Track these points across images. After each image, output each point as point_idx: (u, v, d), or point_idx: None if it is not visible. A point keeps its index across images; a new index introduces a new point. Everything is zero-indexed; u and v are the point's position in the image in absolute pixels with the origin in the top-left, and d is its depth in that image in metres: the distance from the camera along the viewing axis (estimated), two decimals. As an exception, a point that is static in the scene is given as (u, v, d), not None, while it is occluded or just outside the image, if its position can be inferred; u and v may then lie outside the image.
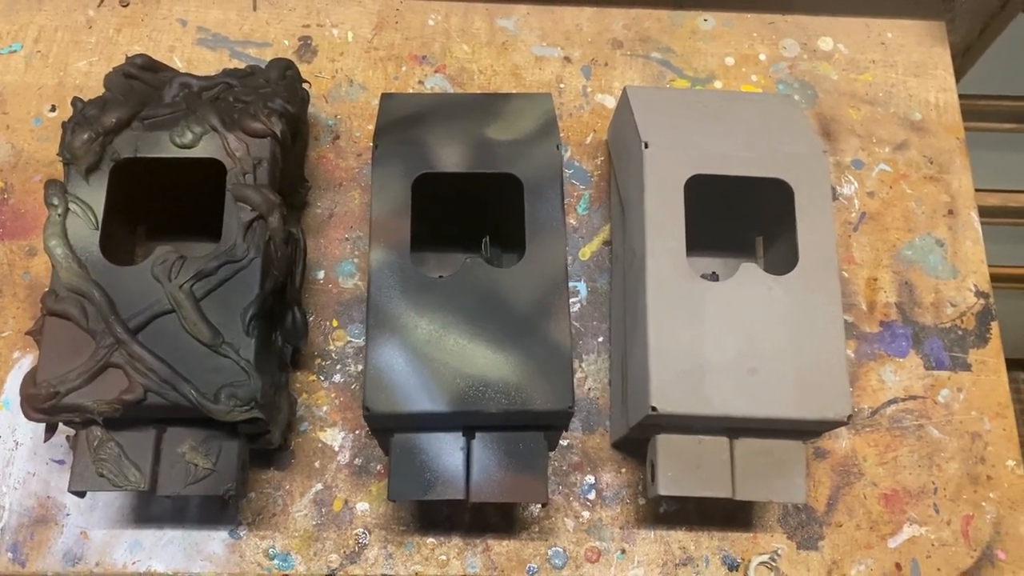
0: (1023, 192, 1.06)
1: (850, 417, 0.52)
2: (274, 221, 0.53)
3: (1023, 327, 1.46)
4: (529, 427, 0.54)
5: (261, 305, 0.52)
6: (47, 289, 0.52)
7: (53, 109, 0.70)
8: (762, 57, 0.75)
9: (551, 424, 0.53)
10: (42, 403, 0.49)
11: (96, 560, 0.59)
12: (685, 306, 0.54)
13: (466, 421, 0.53)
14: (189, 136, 0.55)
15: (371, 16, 0.74)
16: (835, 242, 0.56)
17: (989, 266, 1.23)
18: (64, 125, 0.55)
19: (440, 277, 0.54)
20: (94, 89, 0.70)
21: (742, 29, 0.76)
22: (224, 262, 0.52)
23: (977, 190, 1.03)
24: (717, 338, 0.53)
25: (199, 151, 0.55)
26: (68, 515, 0.60)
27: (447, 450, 0.53)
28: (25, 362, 0.63)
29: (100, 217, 0.53)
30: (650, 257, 0.55)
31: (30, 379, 0.50)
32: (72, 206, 0.53)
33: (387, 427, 0.53)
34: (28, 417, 0.51)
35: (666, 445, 0.55)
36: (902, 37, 0.77)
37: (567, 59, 0.74)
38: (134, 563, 0.59)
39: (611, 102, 0.73)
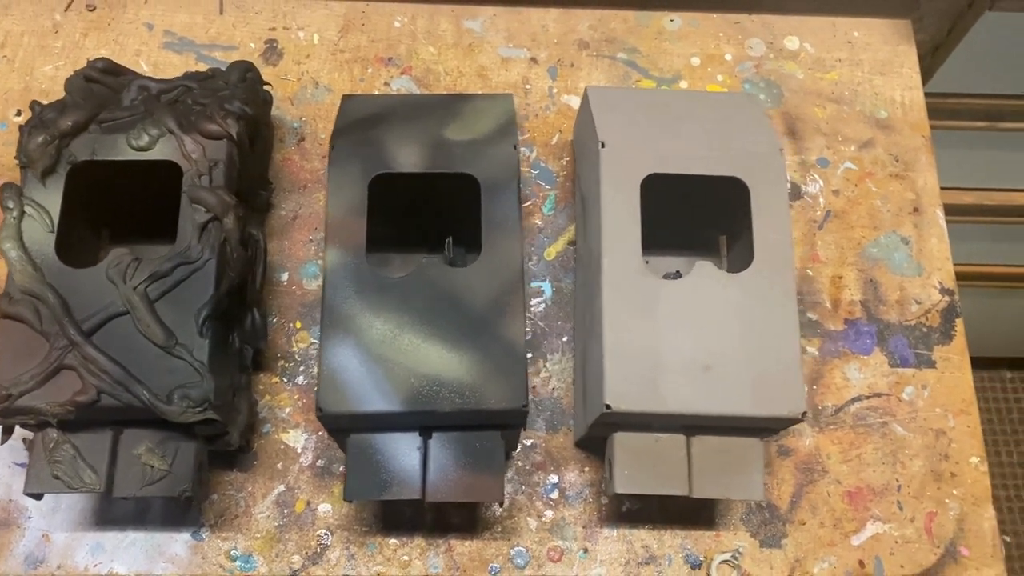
0: (995, 190, 1.06)
1: (804, 414, 0.53)
2: (229, 222, 0.54)
3: (1010, 325, 1.46)
4: (486, 426, 0.54)
5: (215, 306, 0.52)
6: (1, 292, 0.52)
7: (19, 114, 0.70)
8: (728, 57, 0.75)
9: (507, 423, 0.54)
10: (-5, 405, 0.49)
11: (58, 563, 0.59)
12: (640, 304, 0.54)
13: (422, 421, 0.53)
14: (146, 139, 0.55)
15: (337, 19, 0.75)
16: (791, 240, 0.56)
17: (961, 265, 1.23)
18: (21, 129, 0.55)
19: (397, 278, 0.54)
20: (60, 93, 0.70)
21: (708, 29, 0.76)
22: (178, 263, 0.52)
23: (949, 188, 1.03)
24: (672, 336, 0.53)
25: (155, 153, 0.55)
26: (30, 518, 0.60)
27: (404, 450, 0.53)
28: (-12, 366, 0.63)
29: (56, 220, 0.53)
30: (606, 256, 0.55)
31: (-16, 382, 0.50)
32: (28, 209, 0.53)
33: (342, 427, 0.53)
34: (-18, 419, 0.51)
35: (623, 443, 0.55)
36: (868, 36, 0.77)
37: (533, 60, 0.75)
38: (96, 565, 0.59)
39: (577, 103, 0.73)
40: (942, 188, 1.03)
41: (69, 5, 0.73)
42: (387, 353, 0.52)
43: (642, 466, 0.54)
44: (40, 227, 0.53)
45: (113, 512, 0.60)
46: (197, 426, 0.53)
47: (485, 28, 0.75)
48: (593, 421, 0.55)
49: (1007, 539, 1.55)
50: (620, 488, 0.54)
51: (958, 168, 1.00)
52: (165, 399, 0.50)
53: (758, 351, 0.53)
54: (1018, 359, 1.66)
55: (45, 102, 0.58)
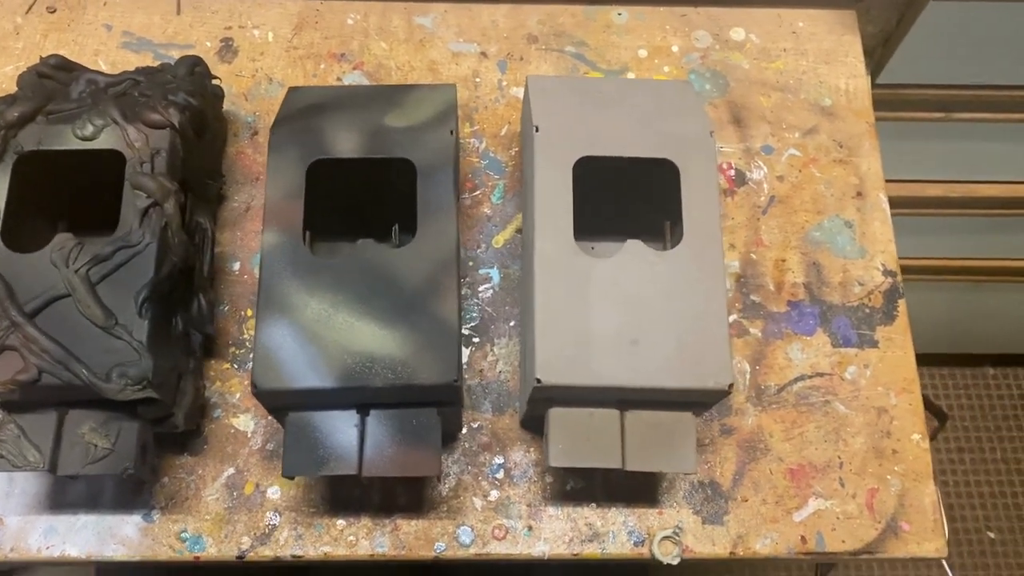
0: (960, 182, 1.08)
1: (731, 386, 0.54)
2: (170, 208, 0.55)
3: (1011, 321, 1.47)
4: (422, 404, 0.55)
5: (154, 288, 0.53)
6: (-52, 277, 0.54)
7: (-20, 112, 0.72)
8: (675, 49, 0.77)
9: (440, 399, 0.55)
10: (-61, 385, 0.51)
11: (11, 545, 0.60)
12: (571, 282, 0.55)
13: (357, 398, 0.54)
14: (90, 128, 0.57)
15: (291, 17, 0.77)
16: (719, 219, 0.58)
17: (937, 259, 1.24)
18: (-30, 120, 0.57)
19: (332, 259, 0.56)
20: (20, 93, 0.72)
21: (655, 22, 0.78)
22: (119, 247, 0.54)
23: (914, 181, 1.05)
24: (602, 312, 0.55)
25: (100, 143, 0.57)
26: (-16, 502, 0.61)
27: (341, 427, 0.54)
28: (-54, 355, 0.64)
29: (1, 208, 0.55)
30: (538, 236, 0.56)
31: (-72, 363, 0.52)
32: (-26, 197, 0.55)
33: (279, 405, 0.54)
34: (-72, 400, 0.52)
35: (558, 418, 0.56)
36: (813, 26, 0.79)
37: (483, 54, 0.76)
38: (48, 547, 0.60)
39: (526, 95, 0.74)
40: (903, 181, 1.04)
41: (30, 8, 0.75)
42: (321, 331, 0.53)
43: (576, 440, 0.55)
44: (-14, 214, 0.55)
45: (65, 496, 0.61)
46: (140, 406, 0.54)
47: (436, 24, 0.77)
48: (529, 397, 0.56)
49: (992, 535, 1.55)
50: (554, 462, 0.55)
51: (917, 160, 1.01)
52: (104, 377, 0.51)
53: (686, 326, 0.55)
54: (1000, 355, 1.66)
55: (-3, 97, 0.60)
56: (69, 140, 0.57)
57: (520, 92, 0.75)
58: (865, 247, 0.71)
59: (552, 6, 0.78)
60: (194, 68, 0.63)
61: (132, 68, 0.71)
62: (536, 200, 0.57)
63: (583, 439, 0.56)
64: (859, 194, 0.73)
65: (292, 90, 0.63)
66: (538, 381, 0.53)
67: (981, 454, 1.62)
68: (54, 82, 0.62)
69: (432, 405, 0.55)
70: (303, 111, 0.61)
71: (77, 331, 0.52)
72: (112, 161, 0.57)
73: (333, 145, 0.58)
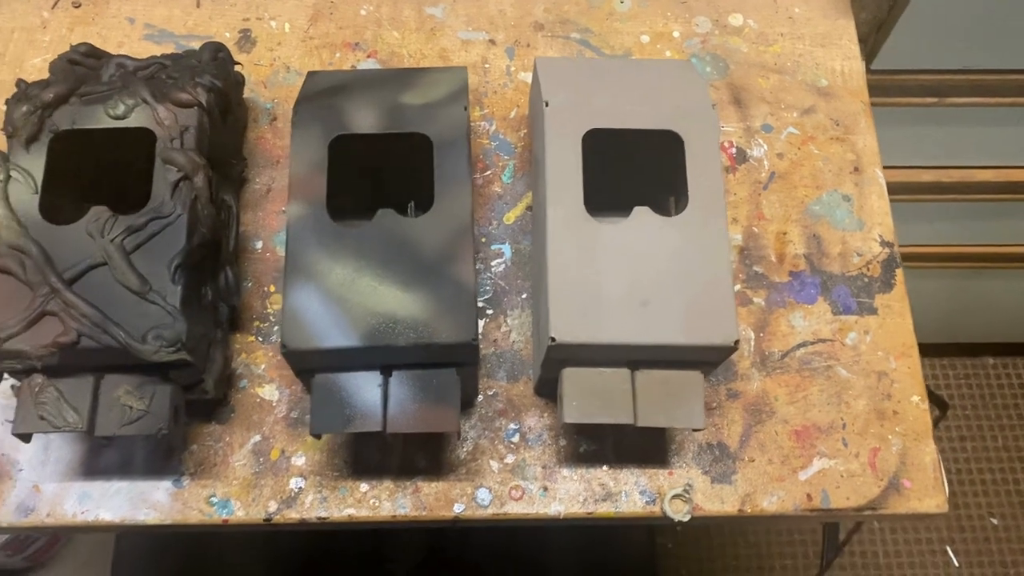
0: (954, 168, 1.10)
1: (737, 343, 0.56)
2: (199, 181, 0.58)
3: (1010, 310, 1.49)
4: (441, 364, 0.58)
5: (186, 256, 0.56)
6: (-11, 249, 0.56)
7: (9, 103, 0.75)
8: (676, 34, 0.80)
9: (459, 359, 0.57)
10: (-17, 349, 0.53)
11: (47, 511, 0.63)
12: (582, 247, 0.58)
13: (380, 358, 0.57)
14: (122, 108, 0.59)
15: (307, 9, 0.80)
16: (722, 186, 0.60)
17: (934, 246, 1.26)
18: (7, 102, 0.60)
19: (355, 228, 0.58)
20: (48, 83, 0.75)
21: (656, 9, 0.81)
22: (152, 218, 0.56)
23: (908, 167, 1.07)
24: (612, 274, 0.57)
25: (131, 121, 0.60)
26: (21, 470, 0.64)
27: (365, 387, 0.57)
28: (-18, 332, 0.67)
29: (39, 183, 0.58)
30: (550, 204, 0.59)
31: (-27, 329, 0.54)
32: (14, 173, 0.58)
33: (306, 366, 0.57)
34: (-28, 365, 0.55)
35: (571, 377, 0.58)
36: (808, 11, 0.82)
37: (492, 42, 0.79)
38: (83, 512, 0.63)
39: (533, 79, 0.77)
40: (899, 167, 1.07)
41: (56, 3, 0.78)
42: (346, 295, 0.56)
43: (589, 397, 0.58)
44: (25, 189, 0.57)
45: (98, 463, 0.64)
46: (172, 371, 0.57)
47: (446, 14, 0.80)
48: (543, 359, 0.59)
49: (994, 521, 1.57)
50: (568, 418, 0.58)
51: (910, 146, 1.04)
52: (140, 339, 0.54)
53: (692, 287, 0.57)
54: (1001, 345, 1.69)
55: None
56: (101, 119, 0.60)
57: (527, 77, 0.78)
58: (863, 220, 0.74)
59: (557, -5, 0.81)
60: (217, 54, 0.66)
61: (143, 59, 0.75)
62: (548, 171, 0.60)
63: (596, 396, 0.58)
64: (856, 169, 0.75)
65: (311, 74, 0.66)
66: (552, 340, 0.56)
67: (983, 442, 1.64)
68: (84, 68, 0.65)
69: (451, 366, 0.58)
70: (323, 92, 0.64)
71: (113, 297, 0.55)
72: (142, 138, 0.60)
73: (353, 122, 0.61)
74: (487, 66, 0.78)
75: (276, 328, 0.68)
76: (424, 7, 0.80)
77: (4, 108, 0.62)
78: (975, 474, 1.62)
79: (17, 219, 0.56)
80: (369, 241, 0.58)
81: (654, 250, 0.58)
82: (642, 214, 0.59)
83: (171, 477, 0.64)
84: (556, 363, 0.59)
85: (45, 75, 0.74)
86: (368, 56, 0.78)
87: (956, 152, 1.09)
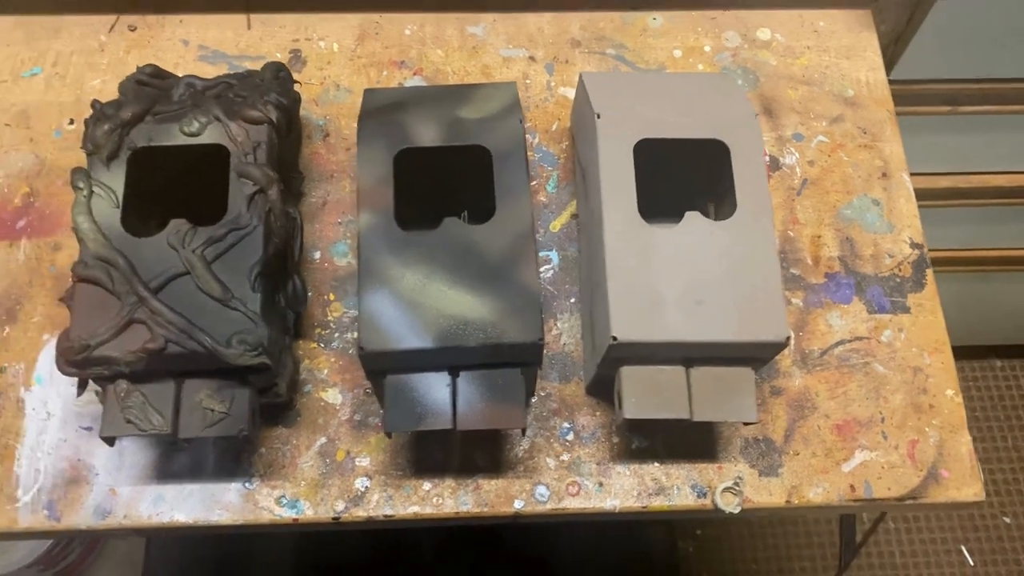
0: (969, 174, 1.14)
1: (788, 339, 0.59)
2: (273, 194, 0.61)
3: (1017, 313, 1.53)
4: (506, 364, 0.60)
5: (265, 265, 0.59)
6: (76, 260, 0.59)
7: (71, 123, 0.77)
8: (707, 48, 0.84)
9: (525, 359, 0.60)
10: (75, 355, 0.56)
11: (124, 513, 0.65)
12: (638, 250, 0.61)
13: (449, 359, 0.59)
14: (196, 125, 0.62)
15: (354, 29, 0.83)
16: (767, 191, 0.63)
17: (942, 251, 1.30)
18: (86, 121, 0.63)
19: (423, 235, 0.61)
20: (107, 104, 0.78)
21: (687, 25, 0.85)
22: (230, 229, 0.59)
23: (922, 174, 1.11)
24: (667, 276, 0.60)
25: (204, 138, 0.63)
26: (97, 475, 0.66)
27: (435, 387, 0.60)
28: (54, 343, 0.69)
29: (121, 198, 0.61)
30: (606, 210, 0.62)
31: (64, 337, 0.57)
32: (96, 189, 0.60)
33: (379, 367, 0.60)
34: (62, 371, 0.58)
35: (629, 375, 0.61)
36: (833, 25, 0.85)
37: (531, 58, 0.83)
38: (158, 514, 0.65)
39: (572, 94, 0.81)
40: (915, 174, 1.11)
41: (112, 26, 0.81)
42: (418, 299, 0.59)
43: (647, 394, 0.61)
44: (107, 204, 0.60)
45: (171, 467, 0.66)
46: (251, 374, 0.59)
47: (487, 32, 0.84)
48: (602, 358, 0.61)
49: (1007, 520, 1.60)
50: (628, 414, 0.60)
51: (925, 154, 1.08)
52: (225, 344, 0.56)
53: (744, 287, 0.60)
54: (1007, 347, 1.72)
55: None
56: (176, 136, 0.63)
57: (567, 92, 0.81)
58: (893, 223, 0.77)
59: (592, 13, 0.84)
60: (278, 73, 0.69)
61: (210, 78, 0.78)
62: (602, 179, 0.63)
63: (653, 393, 0.61)
64: (884, 175, 0.79)
65: (368, 91, 0.69)
66: (614, 339, 0.59)
67: (992, 443, 1.67)
68: (151, 88, 0.68)
69: (515, 366, 0.61)
70: (383, 108, 0.67)
71: (196, 305, 0.58)
72: (213, 154, 0.63)
73: (416, 136, 0.64)
74: (528, 81, 0.81)
75: (337, 335, 0.71)
76: (466, 26, 0.84)
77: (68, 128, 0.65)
78: (986, 474, 1.65)
79: (102, 232, 0.59)
80: (437, 248, 0.61)
81: (706, 252, 0.61)
82: (693, 218, 0.62)
83: (241, 479, 0.66)
84: (614, 362, 0.62)
85: (103, 95, 0.77)
86: (414, 74, 0.81)
87: (969, 158, 1.13)
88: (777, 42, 0.84)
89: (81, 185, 0.60)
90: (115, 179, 0.61)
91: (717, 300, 0.60)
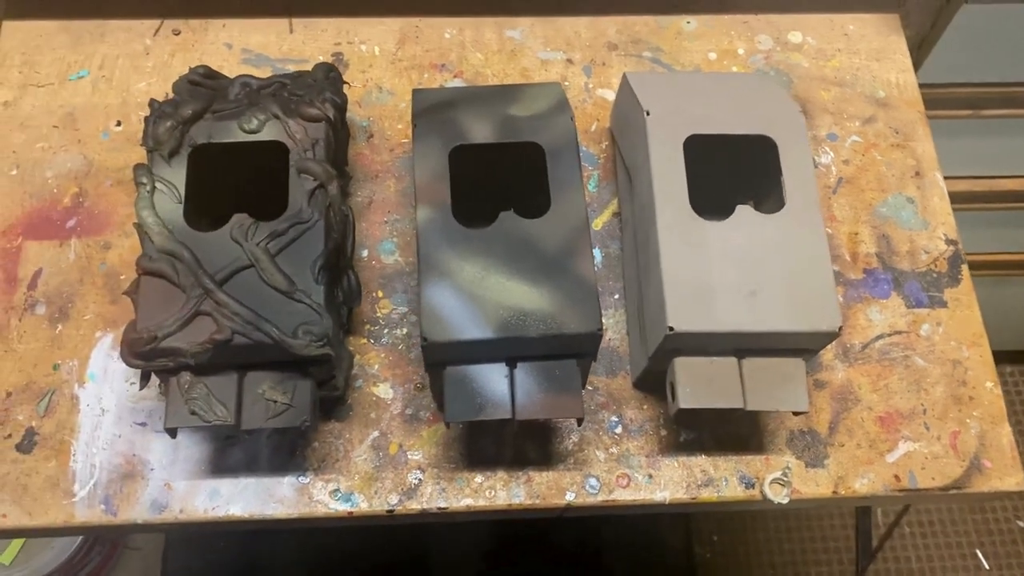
0: (983, 178, 1.16)
1: (840, 328, 0.60)
2: (332, 189, 0.62)
3: (1008, 318, 1.54)
4: (563, 355, 0.61)
5: (327, 258, 0.60)
6: (140, 254, 0.60)
7: (119, 124, 0.78)
8: (740, 51, 0.85)
9: (582, 350, 0.61)
10: (142, 347, 0.57)
11: (180, 507, 0.66)
12: (691, 243, 0.62)
13: (509, 350, 0.60)
14: (255, 123, 0.64)
15: (394, 33, 0.84)
16: (815, 186, 0.65)
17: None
18: (146, 119, 0.64)
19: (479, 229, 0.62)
20: (153, 106, 0.79)
21: (720, 28, 0.86)
22: (293, 223, 0.60)
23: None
24: (721, 268, 0.62)
25: (264, 135, 0.64)
26: (152, 470, 0.67)
27: (494, 378, 0.61)
28: (107, 340, 0.70)
29: (183, 193, 0.61)
30: (659, 205, 0.63)
31: (130, 329, 0.58)
32: (159, 184, 0.61)
33: (440, 359, 0.61)
34: (127, 363, 0.58)
35: (683, 365, 0.62)
36: (862, 28, 0.87)
37: (569, 61, 0.84)
38: (214, 508, 0.66)
39: (610, 95, 0.82)
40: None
41: (157, 30, 0.83)
42: (477, 291, 0.60)
43: (701, 384, 0.62)
44: (170, 199, 0.61)
45: (226, 461, 0.67)
46: (311, 366, 0.60)
47: (524, 36, 0.85)
48: (656, 348, 0.63)
49: (1021, 524, 1.61)
50: (684, 403, 0.61)
51: (944, 157, 1.09)
52: (291, 335, 0.57)
53: (796, 278, 0.62)
54: (1016, 352, 1.74)
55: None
56: (236, 134, 0.64)
57: (605, 93, 0.83)
58: (927, 220, 0.79)
59: (627, 17, 0.86)
60: (329, 73, 0.70)
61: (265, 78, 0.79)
62: (654, 176, 0.64)
63: (707, 383, 0.62)
64: (917, 174, 0.80)
65: (416, 91, 0.71)
66: (671, 329, 0.60)
67: (1005, 448, 1.68)
68: (203, 88, 0.69)
69: (572, 357, 0.62)
70: (434, 107, 0.68)
71: (261, 297, 0.58)
72: (273, 151, 0.64)
73: (470, 133, 0.66)
74: (566, 84, 0.83)
75: (386, 331, 0.72)
76: (504, 30, 0.85)
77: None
78: (1000, 479, 1.66)
79: (166, 226, 0.60)
80: (494, 241, 0.62)
81: (757, 245, 0.62)
82: (744, 212, 0.64)
83: (295, 473, 0.67)
84: (668, 353, 0.63)
85: (149, 97, 0.78)
86: (455, 76, 0.83)
87: (988, 162, 1.15)
88: (808, 45, 0.86)
89: (144, 180, 0.61)
90: (176, 175, 0.62)
91: (770, 291, 0.61)
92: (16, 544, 1.31)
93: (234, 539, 1.48)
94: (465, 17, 0.85)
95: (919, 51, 0.94)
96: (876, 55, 0.86)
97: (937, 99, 1.00)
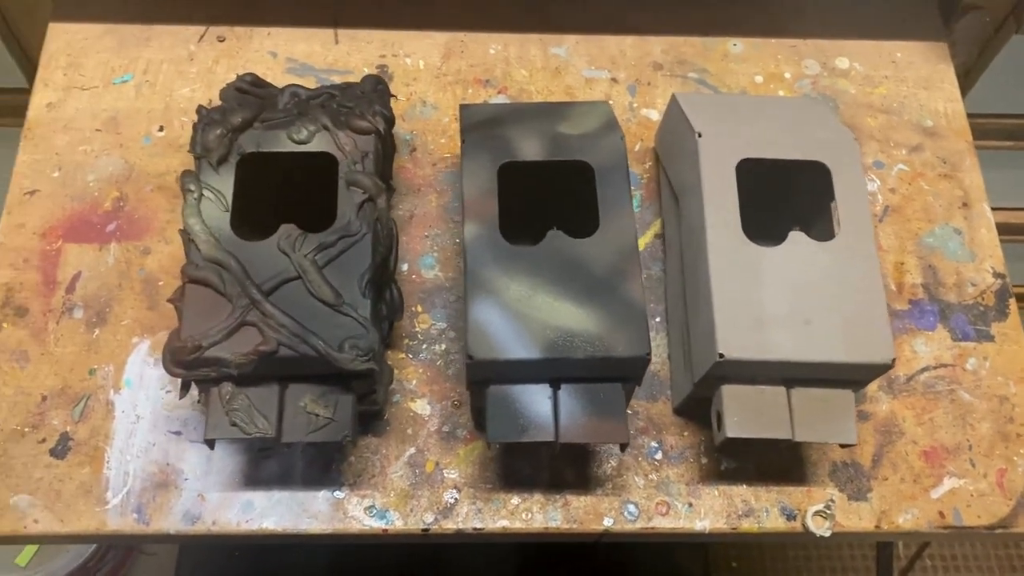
0: (1020, 210, 1.15)
1: (894, 360, 0.59)
2: (381, 203, 0.61)
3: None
4: (609, 379, 0.60)
5: (375, 272, 0.59)
6: (186, 262, 0.59)
7: (161, 129, 0.78)
8: (787, 75, 0.84)
9: (629, 374, 0.60)
10: (187, 355, 0.56)
11: (212, 519, 0.65)
12: (743, 268, 0.61)
13: (554, 371, 0.59)
14: (304, 133, 0.63)
15: (439, 47, 0.84)
16: (869, 215, 0.64)
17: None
18: (194, 126, 0.63)
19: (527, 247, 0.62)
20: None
21: (767, 52, 0.86)
22: (341, 236, 0.60)
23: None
24: (773, 295, 0.60)
25: (313, 146, 0.63)
26: (186, 480, 0.66)
27: (537, 399, 0.60)
28: (143, 346, 0.70)
29: (230, 201, 0.61)
30: (710, 228, 0.62)
31: (174, 337, 0.57)
32: (205, 192, 0.61)
33: (484, 378, 0.60)
34: (168, 371, 0.58)
35: (731, 394, 0.61)
36: (910, 56, 0.86)
37: (614, 80, 0.83)
38: (247, 522, 0.65)
39: (655, 115, 0.82)
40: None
41: (202, 37, 0.82)
42: (524, 310, 0.59)
43: (749, 413, 0.61)
44: (217, 207, 0.61)
45: (259, 474, 0.66)
46: (354, 380, 0.59)
47: (569, 53, 0.85)
48: (702, 376, 0.61)
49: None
50: (731, 432, 0.60)
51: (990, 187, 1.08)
52: (337, 348, 0.56)
53: (849, 308, 0.60)
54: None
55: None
56: (285, 144, 0.63)
57: (649, 113, 0.82)
58: (974, 252, 0.77)
59: (673, 37, 0.86)
60: (377, 85, 0.70)
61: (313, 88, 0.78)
62: (705, 198, 0.63)
63: (755, 413, 0.61)
64: (964, 204, 0.79)
65: (464, 106, 0.70)
66: (721, 356, 0.59)
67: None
68: (250, 96, 0.68)
69: (617, 380, 0.61)
70: (484, 123, 0.67)
71: (307, 309, 0.58)
72: (321, 162, 0.63)
73: (519, 150, 0.65)
74: (611, 103, 0.82)
75: (425, 346, 0.71)
76: (549, 47, 0.85)
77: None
78: None
79: (213, 234, 0.59)
80: (542, 260, 0.61)
81: (811, 272, 0.61)
82: (797, 238, 0.63)
83: (330, 488, 0.66)
84: (715, 380, 0.62)
85: (193, 103, 0.78)
86: (499, 92, 0.82)
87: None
88: (855, 71, 0.85)
89: (192, 187, 0.61)
90: (224, 183, 0.62)
91: (824, 320, 0.60)
92: (32, 546, 1.30)
93: (248, 547, 1.47)
94: (510, 33, 0.85)
95: (965, 80, 0.93)
96: (924, 83, 0.85)
97: (982, 129, 0.99)
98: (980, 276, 0.76)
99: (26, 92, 0.82)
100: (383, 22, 0.84)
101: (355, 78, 0.81)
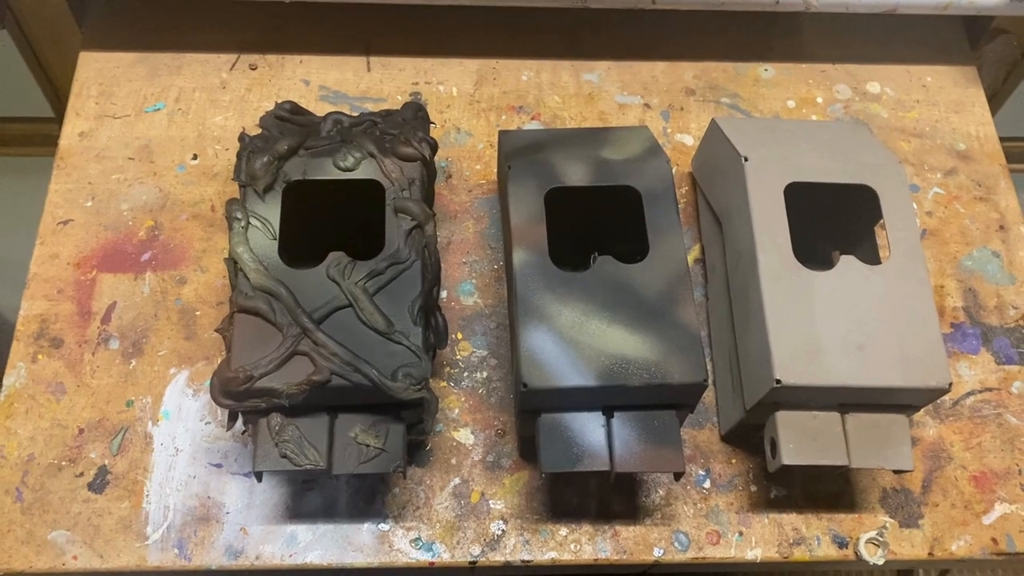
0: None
1: (950, 385, 0.59)
2: (429, 229, 0.61)
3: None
4: (662, 406, 0.60)
5: (425, 299, 0.58)
6: (236, 290, 0.58)
7: (195, 158, 0.78)
8: (819, 100, 0.85)
9: (684, 400, 0.59)
10: (238, 386, 0.55)
11: (256, 554, 0.63)
12: (795, 293, 0.61)
13: (607, 398, 0.58)
14: (350, 160, 0.62)
15: (472, 74, 0.84)
16: (919, 238, 0.63)
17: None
18: (239, 154, 0.63)
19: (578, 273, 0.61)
20: (230, 140, 0.78)
21: (798, 77, 0.86)
22: (391, 263, 0.59)
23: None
24: (827, 320, 0.60)
25: (359, 173, 0.63)
26: (228, 513, 0.64)
27: (590, 428, 0.59)
28: (181, 377, 0.68)
29: (277, 229, 0.60)
30: (760, 253, 0.62)
31: (224, 367, 0.56)
32: (252, 220, 0.60)
33: (537, 406, 0.59)
34: (217, 402, 0.56)
35: (785, 420, 0.60)
36: (940, 80, 0.87)
37: (647, 105, 0.83)
38: (291, 555, 0.63)
39: (689, 140, 0.81)
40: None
41: (234, 65, 0.82)
42: (577, 337, 0.58)
43: (805, 440, 0.60)
44: (264, 235, 0.60)
45: (302, 506, 0.65)
46: (404, 410, 0.58)
47: (602, 79, 0.84)
48: (756, 401, 0.61)
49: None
50: (787, 459, 0.59)
51: None
52: (391, 377, 0.55)
53: (904, 332, 0.60)
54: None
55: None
56: (331, 171, 0.63)
57: (683, 138, 0.82)
58: (1014, 274, 0.77)
59: (705, 63, 0.86)
60: (418, 112, 0.69)
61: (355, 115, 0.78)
62: (755, 223, 0.63)
63: (811, 439, 0.60)
64: (1001, 227, 0.79)
65: (504, 133, 0.70)
66: (778, 382, 0.58)
67: None
68: (290, 124, 0.68)
69: (670, 407, 0.60)
70: (525, 148, 0.67)
71: (359, 337, 0.57)
72: (366, 189, 0.63)
73: (565, 175, 0.64)
74: (645, 128, 0.82)
75: (466, 374, 0.70)
76: (581, 73, 0.85)
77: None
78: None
79: (261, 263, 0.59)
80: (593, 286, 0.60)
81: (863, 297, 0.61)
82: (849, 263, 0.62)
83: (375, 520, 0.65)
84: (769, 407, 0.61)
85: (226, 131, 0.78)
86: (532, 119, 0.82)
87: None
88: (887, 95, 0.85)
89: (239, 216, 0.60)
90: (271, 211, 0.61)
91: (879, 345, 0.59)
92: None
93: None
94: (542, 60, 0.85)
95: (991, 103, 0.93)
96: (955, 107, 0.85)
97: (1009, 152, 0.99)
98: (1021, 299, 0.76)
99: (53, 121, 0.82)
100: (415, 49, 0.84)
101: (388, 105, 0.81)
